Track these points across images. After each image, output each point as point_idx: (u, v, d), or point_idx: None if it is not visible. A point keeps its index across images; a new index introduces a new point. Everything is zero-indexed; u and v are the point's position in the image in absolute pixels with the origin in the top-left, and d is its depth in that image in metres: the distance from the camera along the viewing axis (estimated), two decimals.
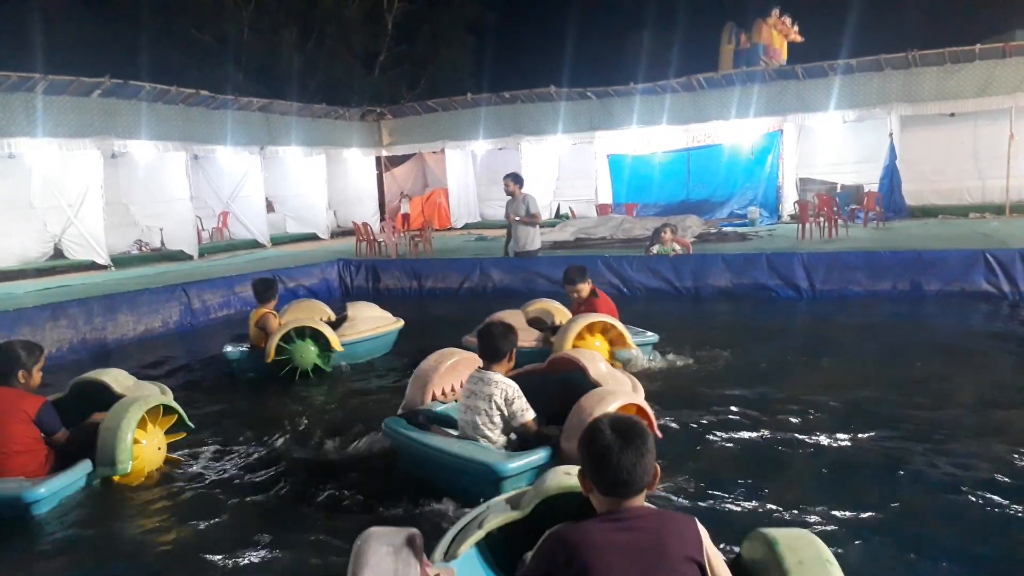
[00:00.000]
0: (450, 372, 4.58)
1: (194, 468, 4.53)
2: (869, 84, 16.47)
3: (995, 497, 3.58)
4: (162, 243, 17.57)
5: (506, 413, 3.83)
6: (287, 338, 6.47)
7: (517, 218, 9.37)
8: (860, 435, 4.47)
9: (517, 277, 10.59)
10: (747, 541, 2.28)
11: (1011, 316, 7.88)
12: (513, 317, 6.58)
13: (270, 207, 20.23)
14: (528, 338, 6.10)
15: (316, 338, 6.56)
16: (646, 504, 2.07)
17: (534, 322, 6.67)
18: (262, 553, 3.44)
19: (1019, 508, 3.47)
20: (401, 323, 7.53)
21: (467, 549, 2.54)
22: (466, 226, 20.74)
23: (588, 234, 14.66)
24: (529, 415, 3.83)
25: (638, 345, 6.01)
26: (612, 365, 5.04)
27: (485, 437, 3.81)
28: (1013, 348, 6.80)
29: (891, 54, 15.95)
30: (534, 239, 9.64)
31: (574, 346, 5.45)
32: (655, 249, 10.35)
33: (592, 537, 1.95)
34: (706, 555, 2.00)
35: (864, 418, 4.74)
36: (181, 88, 15.81)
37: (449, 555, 2.51)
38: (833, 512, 3.49)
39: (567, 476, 2.40)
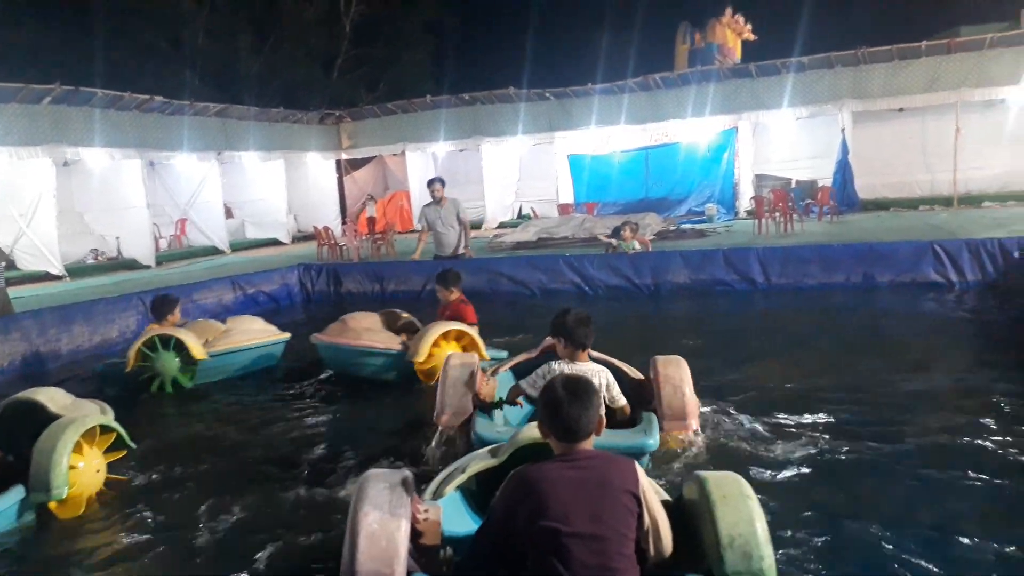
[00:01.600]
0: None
1: (135, 489, 4.35)
2: (821, 81, 16.85)
3: (930, 473, 3.78)
4: (119, 252, 17.30)
5: (606, 399, 3.86)
6: (153, 347, 6.20)
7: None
8: (811, 417, 4.62)
9: (481, 278, 10.63)
10: (685, 483, 2.63)
11: (958, 304, 8.15)
12: (368, 318, 6.53)
13: (229, 213, 20.03)
14: (391, 341, 6.16)
15: (181, 349, 6.25)
16: (594, 448, 2.48)
17: (386, 323, 6.62)
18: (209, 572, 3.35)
19: (945, 486, 3.63)
20: (286, 336, 7.11)
21: (452, 490, 2.97)
22: None
23: (550, 234, 14.77)
24: (623, 399, 3.94)
25: (490, 359, 6.09)
26: None
27: None
28: (958, 334, 7.04)
29: (841, 52, 16.34)
30: (462, 242, 9.90)
31: (431, 352, 5.66)
32: (614, 242, 10.51)
33: (547, 474, 2.36)
34: (641, 489, 2.38)
35: (813, 401, 4.92)
36: (135, 94, 15.56)
37: (437, 495, 2.92)
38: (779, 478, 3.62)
39: (537, 430, 2.68)
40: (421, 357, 5.66)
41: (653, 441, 3.57)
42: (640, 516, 2.36)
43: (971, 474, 3.75)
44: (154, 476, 4.53)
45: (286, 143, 20.38)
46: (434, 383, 5.52)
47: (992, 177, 16.96)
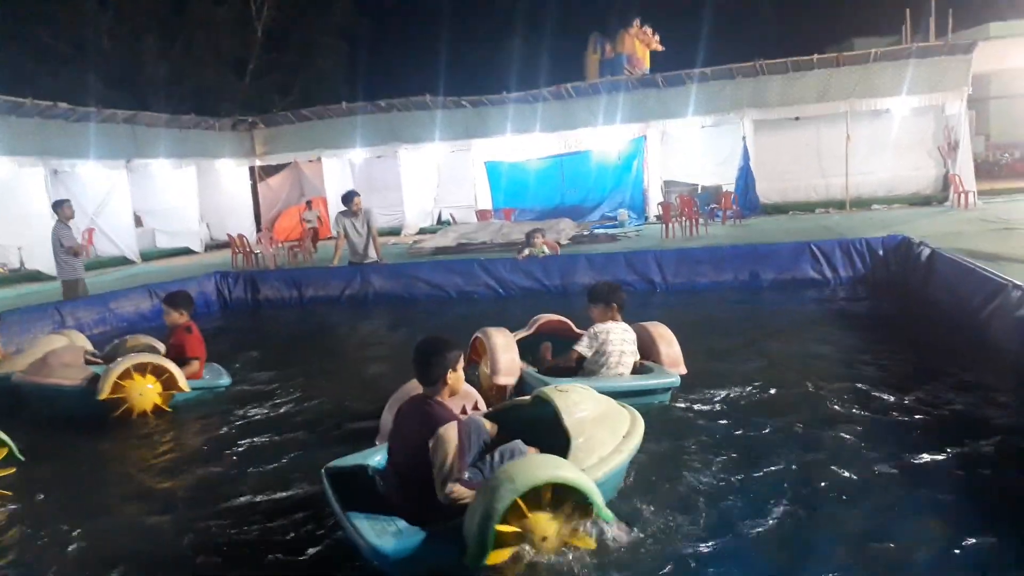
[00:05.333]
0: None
1: (25, 501, 4.34)
2: (723, 91, 17.71)
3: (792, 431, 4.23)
4: (21, 263, 16.69)
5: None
6: None
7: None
8: (694, 397, 5.09)
9: (399, 283, 10.84)
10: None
11: (830, 298, 8.88)
12: (70, 353, 6.12)
13: (138, 221, 19.57)
14: (79, 377, 5.82)
15: None
16: (439, 399, 3.35)
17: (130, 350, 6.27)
18: None
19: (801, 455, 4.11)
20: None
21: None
22: None
23: (469, 239, 15.09)
24: (637, 352, 5.17)
25: (211, 387, 6.10)
26: (164, 408, 5.61)
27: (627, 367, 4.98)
28: (827, 324, 7.65)
29: (741, 63, 17.23)
30: (371, 248, 10.48)
31: (121, 385, 5.48)
32: (526, 252, 10.89)
33: (406, 402, 3.48)
34: (439, 437, 3.06)
35: (705, 384, 5.39)
36: (37, 100, 15.11)
37: None
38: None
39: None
40: (103, 395, 5.43)
41: (676, 378, 4.87)
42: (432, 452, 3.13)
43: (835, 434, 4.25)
44: (47, 492, 4.48)
45: (198, 150, 20.05)
46: (135, 414, 5.52)
47: (879, 182, 18.19)
